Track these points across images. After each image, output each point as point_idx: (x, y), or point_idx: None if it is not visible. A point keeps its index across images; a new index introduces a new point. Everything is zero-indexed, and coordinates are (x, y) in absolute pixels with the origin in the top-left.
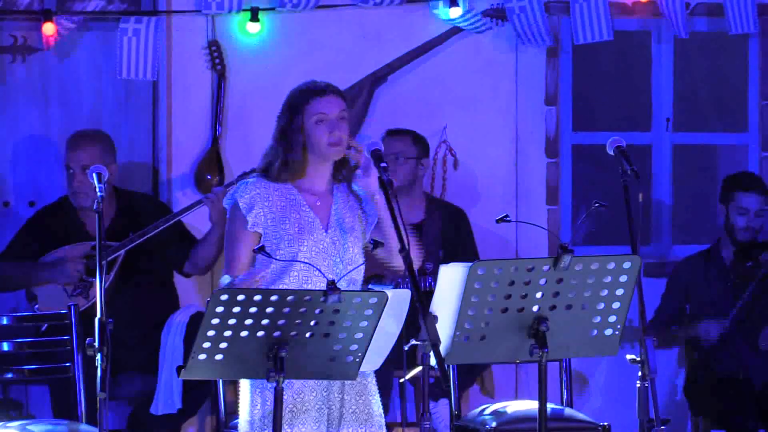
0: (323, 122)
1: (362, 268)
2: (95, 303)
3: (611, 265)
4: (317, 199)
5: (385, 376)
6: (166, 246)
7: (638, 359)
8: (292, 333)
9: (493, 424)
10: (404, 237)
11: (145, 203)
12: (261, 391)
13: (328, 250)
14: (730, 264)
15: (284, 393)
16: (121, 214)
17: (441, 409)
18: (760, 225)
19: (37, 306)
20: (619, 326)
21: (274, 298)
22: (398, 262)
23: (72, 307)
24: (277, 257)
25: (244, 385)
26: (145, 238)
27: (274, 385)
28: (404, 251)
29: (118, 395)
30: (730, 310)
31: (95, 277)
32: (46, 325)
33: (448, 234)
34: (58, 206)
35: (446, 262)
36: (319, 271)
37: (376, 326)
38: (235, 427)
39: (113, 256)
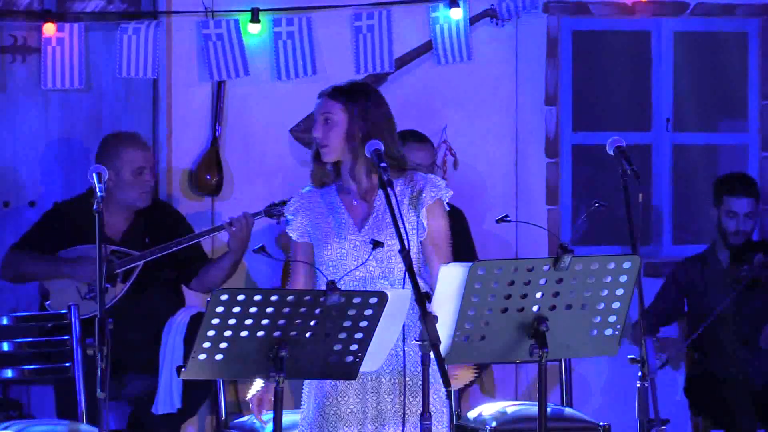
0: (314, 123)
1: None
2: (106, 309)
3: (611, 265)
4: (354, 199)
5: None
6: (180, 261)
7: (638, 359)
8: (292, 333)
9: (493, 424)
10: (404, 238)
11: (164, 211)
12: (309, 392)
13: (359, 250)
14: (727, 266)
15: (330, 396)
16: (140, 218)
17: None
18: (751, 227)
19: (48, 303)
20: (619, 326)
21: (274, 298)
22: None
23: (72, 307)
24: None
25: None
26: (167, 252)
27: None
28: (404, 251)
29: (118, 395)
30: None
31: (111, 284)
32: (51, 323)
33: None
34: (74, 206)
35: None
36: (321, 273)
37: (376, 326)
38: (236, 427)
39: (131, 266)
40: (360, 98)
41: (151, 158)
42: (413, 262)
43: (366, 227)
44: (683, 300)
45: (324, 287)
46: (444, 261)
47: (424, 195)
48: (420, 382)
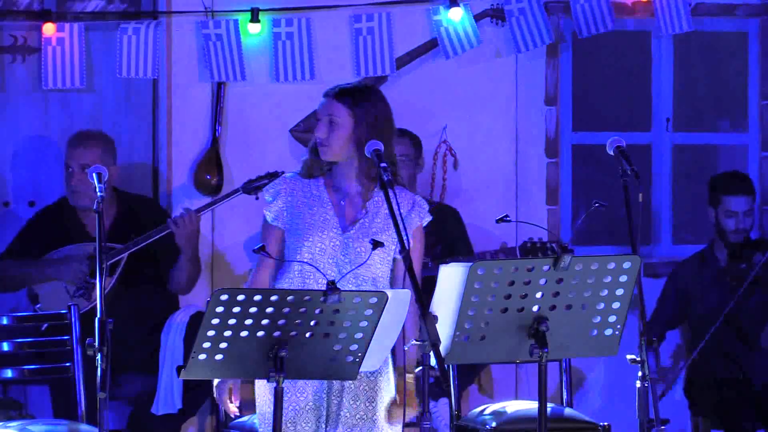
0: (317, 122)
1: (378, 273)
2: (95, 306)
3: (611, 265)
4: (342, 198)
5: None
6: (158, 260)
7: (638, 359)
8: (292, 333)
9: (493, 424)
10: (404, 239)
11: (146, 207)
12: (265, 387)
13: (337, 249)
14: (725, 265)
15: (288, 391)
16: (122, 216)
17: (441, 409)
18: (750, 224)
19: (39, 306)
20: (619, 326)
21: (274, 298)
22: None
23: (72, 307)
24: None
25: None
26: (148, 242)
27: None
28: (404, 251)
29: (118, 395)
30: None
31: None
32: (46, 324)
33: (443, 231)
34: (59, 207)
35: (443, 257)
36: (318, 269)
37: (376, 326)
38: (236, 427)
39: (116, 259)
40: (365, 102)
41: (88, 155)
42: (385, 277)
43: (352, 230)
44: (683, 303)
45: (296, 277)
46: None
47: (413, 216)
48: (376, 388)
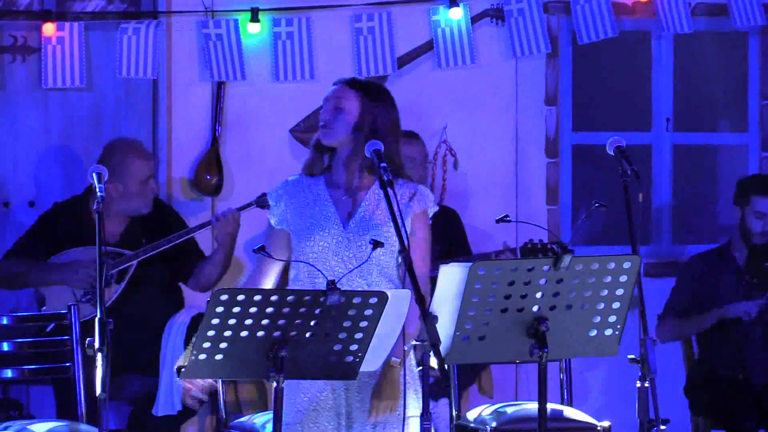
0: (323, 107)
1: (384, 266)
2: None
3: (611, 265)
4: (343, 194)
5: None
6: (175, 259)
7: (638, 359)
8: (292, 333)
9: (493, 424)
10: (404, 238)
11: (161, 212)
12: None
13: (341, 246)
14: (743, 264)
15: (308, 392)
16: (137, 219)
17: (441, 409)
18: None
19: (45, 308)
20: (619, 326)
21: (274, 298)
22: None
23: (72, 307)
24: (293, 253)
25: None
26: (158, 251)
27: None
28: (404, 251)
29: (118, 396)
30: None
31: (106, 286)
32: (52, 325)
33: (442, 233)
34: (72, 206)
35: (443, 258)
36: (319, 271)
37: (376, 326)
38: (236, 427)
39: (126, 265)
40: (376, 95)
41: (153, 165)
42: (394, 268)
43: (351, 224)
44: (696, 295)
45: (306, 278)
46: (424, 268)
47: (411, 204)
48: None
